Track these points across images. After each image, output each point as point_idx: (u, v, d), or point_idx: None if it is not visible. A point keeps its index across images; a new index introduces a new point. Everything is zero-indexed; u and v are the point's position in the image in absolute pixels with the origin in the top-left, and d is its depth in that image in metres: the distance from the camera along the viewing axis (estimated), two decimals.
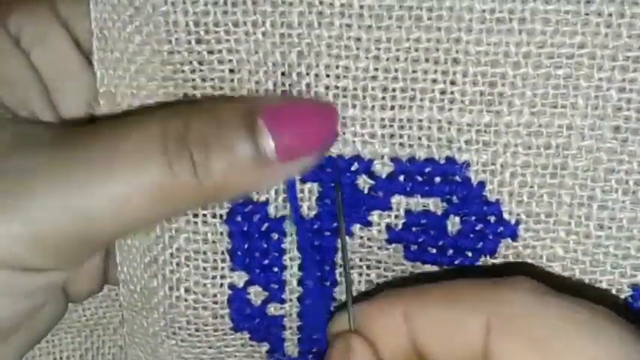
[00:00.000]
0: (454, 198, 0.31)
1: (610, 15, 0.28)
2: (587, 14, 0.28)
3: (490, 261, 0.32)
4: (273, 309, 0.34)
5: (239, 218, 0.32)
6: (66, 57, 0.33)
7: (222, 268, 0.33)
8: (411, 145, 0.31)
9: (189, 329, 0.34)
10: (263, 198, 0.32)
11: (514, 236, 0.31)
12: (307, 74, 0.30)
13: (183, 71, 0.31)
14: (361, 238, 0.33)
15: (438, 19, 0.29)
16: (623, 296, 0.31)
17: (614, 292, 0.31)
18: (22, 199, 0.28)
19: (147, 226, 0.32)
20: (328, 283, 0.34)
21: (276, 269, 0.33)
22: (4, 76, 0.32)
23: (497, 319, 0.27)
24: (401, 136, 0.31)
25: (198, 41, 0.30)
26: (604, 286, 0.31)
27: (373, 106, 0.30)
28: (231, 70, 0.31)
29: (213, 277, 0.33)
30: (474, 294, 0.28)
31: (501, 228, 0.31)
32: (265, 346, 0.35)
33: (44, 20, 0.33)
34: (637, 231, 0.30)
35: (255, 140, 0.28)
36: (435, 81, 0.30)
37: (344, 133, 0.31)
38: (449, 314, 0.28)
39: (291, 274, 0.33)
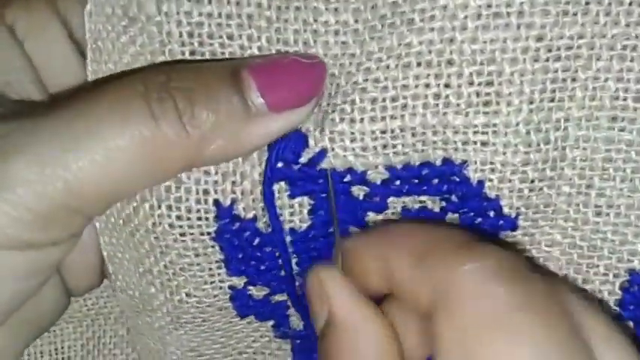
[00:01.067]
0: (453, 197, 0.31)
1: (610, 3, 0.27)
2: (587, 3, 0.27)
3: None
4: (276, 297, 0.34)
5: (228, 236, 0.31)
6: (59, 49, 0.32)
7: (220, 274, 0.33)
8: (405, 153, 0.30)
9: (196, 322, 0.34)
10: (250, 215, 0.31)
11: (514, 228, 0.31)
12: None
13: None
14: None
15: (430, 19, 0.27)
16: (619, 281, 0.32)
17: (611, 276, 0.32)
18: (3, 172, 0.27)
19: (137, 188, 0.30)
20: None
21: (274, 271, 0.33)
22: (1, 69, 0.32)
23: (444, 286, 0.25)
24: (394, 146, 0.30)
25: (192, 53, 0.29)
26: (601, 270, 0.32)
27: (362, 119, 0.29)
28: None
29: (212, 282, 0.33)
30: (440, 250, 0.27)
31: (501, 222, 0.31)
32: (271, 322, 0.36)
33: (40, 12, 0.32)
34: (634, 217, 0.31)
35: (241, 91, 0.27)
36: (427, 85, 0.28)
37: (333, 149, 0.30)
38: (412, 266, 0.27)
39: (290, 270, 0.33)
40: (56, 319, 0.35)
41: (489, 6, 0.27)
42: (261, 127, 0.28)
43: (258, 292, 0.34)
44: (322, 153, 0.30)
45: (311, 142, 0.30)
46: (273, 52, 0.29)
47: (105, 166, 0.27)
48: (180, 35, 0.29)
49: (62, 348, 0.42)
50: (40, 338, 0.42)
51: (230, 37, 0.28)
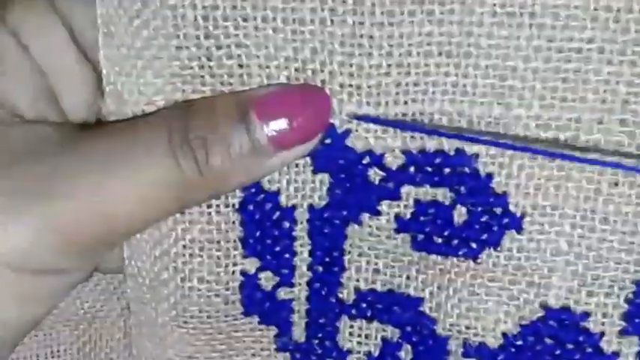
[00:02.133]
0: (462, 189, 0.31)
1: (619, 10, 0.28)
2: (595, 9, 0.28)
3: (494, 254, 0.32)
4: (282, 293, 0.35)
5: (251, 207, 0.33)
6: (64, 52, 0.33)
7: (235, 256, 0.34)
8: (421, 138, 0.31)
9: (201, 317, 0.35)
10: (274, 187, 0.33)
11: (519, 229, 0.32)
12: (322, 71, 0.30)
13: (191, 67, 0.31)
14: (370, 227, 0.33)
15: (449, 12, 0.29)
16: (625, 293, 0.32)
17: (616, 289, 0.32)
18: (43, 200, 0.29)
19: (159, 219, 0.32)
20: (336, 269, 0.34)
21: (287, 255, 0.34)
22: (11, 77, 0.32)
23: None
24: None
25: (207, 36, 0.30)
26: (606, 282, 0.32)
27: (387, 102, 0.31)
28: (240, 65, 0.30)
29: (226, 265, 0.34)
30: None
31: (506, 220, 0.32)
32: (273, 330, 0.36)
33: (44, 15, 0.33)
34: None
35: (249, 133, 0.30)
36: (447, 74, 0.30)
37: (357, 130, 0.31)
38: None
39: (301, 259, 0.34)
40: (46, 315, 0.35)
41: (503, 5, 0.29)
42: (270, 162, 0.30)
43: (267, 281, 0.34)
44: (346, 133, 0.31)
45: (336, 122, 0.31)
46: (288, 32, 0.30)
47: (137, 206, 0.30)
48: (195, 19, 0.30)
49: (58, 351, 0.42)
50: (37, 342, 0.42)
51: (245, 19, 0.30)
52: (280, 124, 0.30)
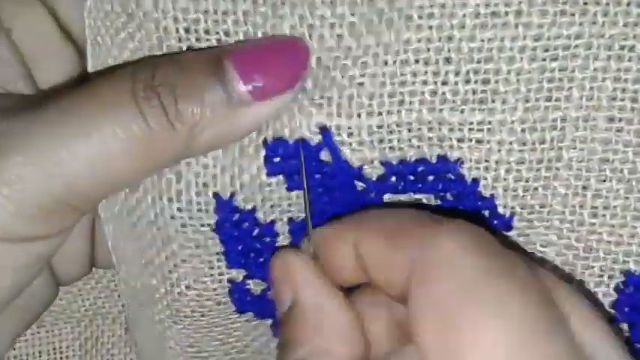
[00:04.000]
0: (448, 195, 0.31)
1: (607, 4, 0.27)
2: (585, 3, 0.27)
3: None
4: None
5: (228, 226, 0.32)
6: (46, 33, 0.32)
7: (219, 267, 0.33)
8: (400, 148, 0.30)
9: (195, 316, 0.35)
10: (249, 206, 0.31)
11: (508, 229, 0.31)
12: None
13: None
14: None
15: (429, 17, 0.27)
16: (614, 282, 0.32)
17: (605, 278, 0.32)
18: (2, 170, 0.27)
19: (130, 182, 0.31)
20: None
21: None
22: None
23: (419, 262, 0.25)
24: (390, 141, 0.30)
25: (190, 48, 0.29)
26: (596, 272, 0.32)
27: (359, 114, 0.29)
28: None
29: (211, 275, 0.33)
30: (411, 229, 0.27)
31: (495, 221, 0.31)
32: (270, 321, 0.36)
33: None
34: (630, 218, 0.31)
35: (224, 82, 0.27)
36: (425, 82, 0.28)
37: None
38: (385, 247, 0.27)
39: None
40: (44, 309, 0.35)
41: (488, 5, 0.27)
42: (247, 115, 0.28)
43: (256, 286, 0.34)
44: (319, 147, 0.30)
45: (307, 135, 0.30)
46: None
47: (98, 163, 0.28)
48: (177, 31, 0.29)
49: (60, 348, 0.43)
50: (39, 338, 0.43)
51: (227, 34, 0.29)
52: (257, 72, 0.28)
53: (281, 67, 0.28)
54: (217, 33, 0.29)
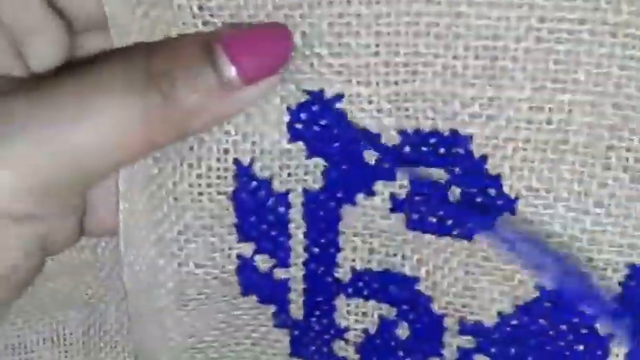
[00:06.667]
0: (457, 170, 0.32)
1: None
2: None
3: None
4: (279, 273, 0.35)
5: (244, 195, 0.33)
6: (36, 12, 0.32)
7: (230, 241, 0.34)
8: (416, 118, 0.31)
9: (199, 298, 0.35)
10: (267, 174, 0.33)
11: (512, 211, 0.32)
12: (309, 54, 0.31)
13: None
14: (364, 207, 0.33)
15: None
16: (618, 276, 0.32)
17: (609, 271, 0.32)
18: (8, 149, 0.28)
19: (129, 163, 0.32)
20: (332, 250, 0.34)
21: (282, 238, 0.34)
22: None
23: None
24: (406, 109, 0.31)
25: (205, 24, 0.30)
26: (600, 265, 0.32)
27: (377, 82, 0.31)
28: None
29: (222, 250, 0.34)
30: None
31: (500, 202, 0.32)
32: (272, 308, 0.36)
33: None
34: (635, 209, 0.31)
35: (217, 67, 0.29)
36: (437, 55, 0.30)
37: (351, 111, 0.31)
38: None
39: (297, 241, 0.34)
40: (32, 279, 0.35)
41: None
42: (237, 99, 0.30)
43: (263, 263, 0.35)
44: (340, 115, 0.32)
45: (330, 103, 0.31)
46: (281, 17, 0.30)
47: (100, 145, 0.29)
48: (191, 8, 0.30)
49: (64, 335, 0.43)
50: (43, 325, 0.43)
51: (238, 7, 0.30)
52: (246, 57, 0.29)
53: (268, 53, 0.30)
54: (229, 8, 0.30)
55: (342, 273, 0.35)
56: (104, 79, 0.29)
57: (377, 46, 0.30)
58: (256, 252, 0.34)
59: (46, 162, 0.29)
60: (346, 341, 0.36)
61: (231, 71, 0.29)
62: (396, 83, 0.31)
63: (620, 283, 0.32)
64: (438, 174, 0.32)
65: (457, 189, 0.32)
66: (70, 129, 0.29)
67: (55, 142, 0.29)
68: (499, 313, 0.34)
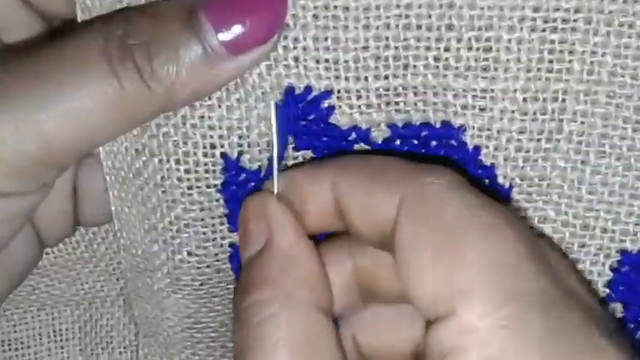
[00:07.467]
0: (450, 160, 0.31)
1: None
2: None
3: None
4: None
5: (234, 187, 0.33)
6: (8, 3, 0.32)
7: (222, 230, 0.34)
8: (407, 111, 0.31)
9: (194, 285, 0.35)
10: (255, 166, 0.32)
11: (507, 200, 0.32)
12: (294, 48, 0.29)
13: None
14: None
15: None
16: (610, 261, 0.32)
17: (601, 257, 0.32)
18: None
19: (108, 139, 0.31)
20: (320, 236, 0.34)
21: None
22: None
23: (408, 199, 0.26)
24: (397, 103, 0.31)
25: None
26: (592, 250, 0.32)
27: (367, 77, 0.30)
28: None
29: (214, 239, 0.34)
30: (395, 172, 0.27)
31: (495, 190, 0.31)
32: None
33: None
34: (628, 196, 0.31)
35: (199, 37, 0.27)
36: (428, 48, 0.29)
37: (340, 106, 0.31)
38: (369, 188, 0.27)
39: None
40: (28, 272, 0.35)
41: None
42: (224, 70, 0.28)
43: None
44: (329, 110, 0.31)
45: (318, 98, 0.31)
46: None
47: (73, 122, 0.27)
48: None
49: (60, 330, 0.44)
50: (39, 321, 0.43)
51: None
52: (232, 24, 0.27)
53: (257, 18, 0.27)
54: None
55: None
56: (78, 54, 0.27)
57: (366, 39, 0.29)
58: None
59: (15, 141, 0.27)
60: None
61: (215, 40, 0.27)
62: (386, 77, 0.30)
63: (611, 269, 0.32)
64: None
65: None
66: (41, 108, 0.27)
67: (24, 121, 0.27)
68: None
